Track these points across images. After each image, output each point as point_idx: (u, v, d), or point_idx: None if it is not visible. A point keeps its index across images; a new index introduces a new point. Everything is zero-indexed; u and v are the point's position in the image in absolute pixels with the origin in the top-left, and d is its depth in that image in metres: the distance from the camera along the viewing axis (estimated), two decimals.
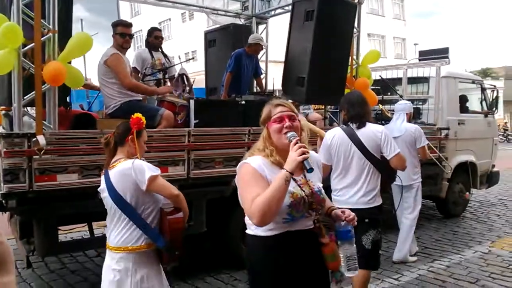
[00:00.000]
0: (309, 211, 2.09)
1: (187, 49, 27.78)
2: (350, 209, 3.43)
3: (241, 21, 7.57)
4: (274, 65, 7.84)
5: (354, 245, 2.22)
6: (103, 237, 4.94)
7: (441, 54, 7.95)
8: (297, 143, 1.96)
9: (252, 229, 2.13)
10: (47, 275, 4.85)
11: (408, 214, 5.30)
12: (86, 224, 4.87)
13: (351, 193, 3.53)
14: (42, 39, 3.70)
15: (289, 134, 2.06)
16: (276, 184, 1.91)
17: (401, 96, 6.67)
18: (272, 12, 7.58)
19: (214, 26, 7.73)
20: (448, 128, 6.81)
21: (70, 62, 4.08)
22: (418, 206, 5.37)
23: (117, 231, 2.64)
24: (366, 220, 3.45)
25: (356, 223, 2.20)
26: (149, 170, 2.60)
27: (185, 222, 2.71)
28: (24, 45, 3.67)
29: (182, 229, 2.66)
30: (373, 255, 3.55)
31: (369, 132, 3.50)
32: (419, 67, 7.49)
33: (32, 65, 3.67)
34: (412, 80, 7.46)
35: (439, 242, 6.02)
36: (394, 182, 5.02)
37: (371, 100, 5.90)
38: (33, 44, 3.67)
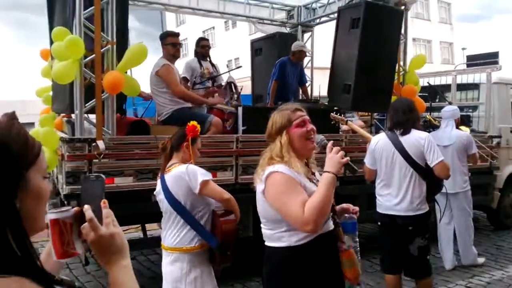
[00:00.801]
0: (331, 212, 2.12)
1: (230, 56, 28.22)
2: (391, 215, 3.56)
3: (286, 30, 7.68)
4: (319, 72, 7.89)
5: (357, 240, 2.25)
6: (155, 238, 5.19)
7: (490, 58, 7.76)
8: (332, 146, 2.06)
9: (284, 241, 2.04)
10: (83, 277, 4.99)
11: (460, 219, 5.20)
12: (139, 225, 5.08)
13: (395, 200, 3.55)
14: (101, 50, 3.95)
15: (319, 138, 2.15)
16: (325, 188, 1.95)
17: (450, 103, 6.53)
18: (318, 20, 7.64)
19: (257, 34, 7.88)
20: (500, 136, 6.60)
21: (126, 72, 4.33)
22: (470, 211, 5.28)
23: (172, 232, 2.79)
24: (410, 228, 3.49)
25: (359, 214, 2.26)
26: (201, 175, 2.75)
27: (237, 224, 2.82)
28: (85, 56, 3.94)
29: (234, 231, 2.77)
30: (421, 262, 3.53)
31: (413, 139, 3.49)
32: (469, 73, 7.31)
33: (93, 75, 3.93)
34: (462, 87, 7.28)
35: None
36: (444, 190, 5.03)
37: (419, 107, 5.82)
38: (93, 55, 3.93)
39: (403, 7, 5.78)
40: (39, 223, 0.97)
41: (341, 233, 2.16)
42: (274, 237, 2.07)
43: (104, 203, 1.09)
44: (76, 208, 1.09)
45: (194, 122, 2.99)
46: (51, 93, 5.40)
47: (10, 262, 0.86)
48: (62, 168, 3.94)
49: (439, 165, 3.41)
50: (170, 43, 4.85)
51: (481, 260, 5.28)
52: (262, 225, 2.16)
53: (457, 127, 5.30)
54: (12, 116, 0.97)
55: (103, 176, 1.19)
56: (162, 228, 2.92)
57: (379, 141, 3.68)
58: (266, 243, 2.14)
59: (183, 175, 2.73)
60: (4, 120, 0.95)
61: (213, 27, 32.32)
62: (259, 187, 2.08)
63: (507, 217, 7.01)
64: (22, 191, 0.91)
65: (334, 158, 2.01)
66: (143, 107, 6.28)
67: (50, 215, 1.05)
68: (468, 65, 17.82)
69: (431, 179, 3.50)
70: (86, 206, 1.06)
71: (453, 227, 5.25)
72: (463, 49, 27.99)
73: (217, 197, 2.80)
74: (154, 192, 2.97)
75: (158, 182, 2.93)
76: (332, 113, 4.60)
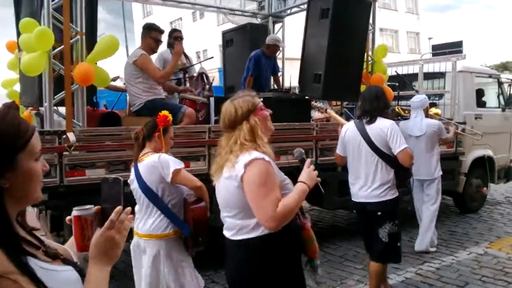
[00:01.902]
0: None
1: (198, 48, 28.05)
2: (362, 202, 3.68)
3: (257, 21, 7.70)
4: (290, 62, 7.96)
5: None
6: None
7: (454, 47, 7.99)
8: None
9: (259, 230, 2.04)
10: None
11: (430, 206, 5.41)
12: None
13: (362, 186, 3.64)
14: (70, 41, 3.91)
15: (298, 152, 2.28)
16: (298, 196, 2.06)
17: (417, 92, 6.72)
18: (288, 11, 7.68)
19: (226, 25, 7.87)
20: (464, 123, 6.83)
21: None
22: (439, 198, 5.48)
23: (146, 220, 2.85)
24: (379, 213, 3.58)
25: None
26: (173, 163, 2.83)
27: (208, 211, 2.89)
28: (54, 48, 3.89)
29: (205, 218, 2.86)
30: (392, 248, 3.61)
31: (377, 127, 3.57)
32: (435, 62, 7.51)
33: (62, 67, 3.88)
34: (428, 76, 7.49)
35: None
36: (418, 177, 5.22)
37: (388, 95, 5.99)
38: (62, 46, 3.88)
39: None
40: (32, 196, 1.11)
41: (303, 210, 2.26)
42: (249, 227, 2.05)
43: (118, 209, 1.20)
44: (96, 207, 1.22)
45: (165, 112, 3.04)
46: (16, 86, 5.31)
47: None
48: None
49: (402, 153, 3.48)
50: (154, 38, 4.88)
51: (432, 249, 5.35)
52: (229, 217, 2.12)
53: (426, 114, 5.47)
54: (9, 105, 1.09)
55: (120, 178, 1.28)
56: (136, 217, 2.96)
57: (348, 130, 3.78)
58: (234, 237, 2.10)
59: (156, 164, 2.79)
60: (1, 109, 1.08)
61: (181, 18, 32.06)
62: (232, 174, 2.03)
63: (472, 201, 7.30)
64: (11, 171, 1.04)
65: (311, 173, 2.14)
66: (106, 100, 6.24)
67: (74, 212, 1.21)
68: (433, 55, 18.27)
69: (398, 166, 3.57)
70: (117, 208, 1.19)
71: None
72: (430, 38, 28.57)
73: (189, 184, 2.88)
74: (128, 181, 3.01)
75: (132, 171, 2.98)
76: (312, 102, 4.72)
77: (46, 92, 3.86)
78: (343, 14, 5.42)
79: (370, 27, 5.89)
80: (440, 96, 7.43)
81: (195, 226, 2.81)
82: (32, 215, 5.12)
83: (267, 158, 2.04)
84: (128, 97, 5.43)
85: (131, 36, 20.26)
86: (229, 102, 2.21)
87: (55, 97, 3.91)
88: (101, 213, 1.21)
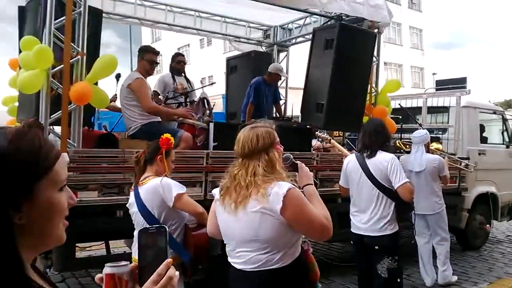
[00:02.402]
0: None
1: (204, 73, 28.31)
2: (361, 235, 3.62)
3: (262, 49, 7.73)
4: (293, 91, 7.95)
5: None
6: (119, 255, 5.00)
7: (458, 83, 7.95)
8: None
9: (282, 262, 2.03)
10: None
11: (439, 241, 5.34)
12: (103, 242, 4.93)
13: (362, 219, 3.63)
14: (71, 61, 3.88)
15: (286, 158, 2.30)
16: (318, 198, 2.21)
17: (420, 125, 6.65)
18: (293, 41, 7.73)
19: (232, 53, 7.91)
20: (468, 158, 6.73)
21: (97, 83, 4.26)
22: (446, 230, 5.41)
23: None
24: (376, 247, 3.53)
25: None
26: (175, 188, 2.76)
27: (208, 238, 2.78)
28: (53, 67, 3.86)
29: (207, 245, 2.77)
30: (391, 284, 3.52)
31: (377, 161, 3.57)
32: (440, 96, 7.47)
33: (60, 86, 3.84)
34: (432, 110, 7.44)
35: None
36: (419, 212, 5.10)
37: (390, 128, 5.91)
38: (62, 65, 3.85)
39: (376, 30, 5.90)
40: (54, 235, 0.92)
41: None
42: (273, 260, 2.02)
43: (168, 262, 1.00)
44: (133, 264, 1.02)
45: (167, 135, 2.98)
46: (16, 103, 5.28)
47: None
48: None
49: (402, 187, 3.45)
50: (148, 59, 4.80)
51: (454, 278, 5.39)
52: (250, 251, 2.05)
53: (427, 149, 5.38)
54: (31, 124, 0.92)
55: (166, 227, 1.07)
56: (134, 242, 2.86)
57: (349, 162, 3.79)
58: (256, 269, 2.04)
59: (158, 188, 2.72)
60: (21, 128, 0.91)
61: (188, 44, 32.54)
62: (265, 206, 1.97)
63: (475, 238, 7.12)
64: (29, 204, 0.85)
65: (308, 173, 2.31)
66: (108, 121, 6.19)
67: (106, 270, 0.99)
68: (437, 89, 18.37)
69: (398, 200, 3.53)
70: (167, 261, 1.00)
71: (431, 245, 5.37)
72: (434, 74, 28.66)
73: (191, 210, 2.81)
74: (127, 205, 2.96)
75: (131, 194, 2.93)
76: (317, 132, 4.72)
77: (42, 110, 3.79)
78: (348, 45, 5.42)
79: (374, 59, 5.88)
80: (444, 130, 7.35)
81: (195, 253, 2.73)
82: None
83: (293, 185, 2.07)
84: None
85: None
86: (249, 129, 2.14)
87: (52, 116, 3.84)
88: (139, 270, 1.01)
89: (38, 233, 0.88)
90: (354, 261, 3.96)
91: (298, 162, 2.33)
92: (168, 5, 6.62)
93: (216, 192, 2.28)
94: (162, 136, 2.96)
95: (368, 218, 3.56)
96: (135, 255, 2.80)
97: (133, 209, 2.84)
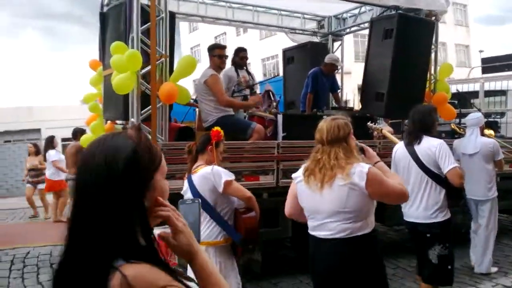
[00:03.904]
0: None
1: None
2: (412, 222, 3.72)
3: (317, 39, 7.93)
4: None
5: None
6: None
7: (505, 61, 7.83)
8: None
9: (368, 227, 2.48)
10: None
11: (484, 227, 5.22)
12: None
13: (412, 206, 3.64)
14: (156, 63, 4.28)
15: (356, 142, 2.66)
16: (390, 170, 2.67)
17: (479, 110, 6.67)
18: (347, 30, 7.88)
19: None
20: None
21: None
22: (493, 218, 5.25)
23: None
24: (428, 235, 3.56)
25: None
26: (225, 175, 3.06)
27: (258, 220, 3.11)
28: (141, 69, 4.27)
29: (257, 227, 3.07)
30: (442, 270, 3.57)
31: (425, 147, 3.59)
32: (497, 80, 7.44)
33: (148, 86, 4.25)
34: (489, 93, 7.43)
35: (459, 271, 4.90)
36: (471, 197, 5.15)
37: (449, 114, 6.02)
38: (149, 67, 4.26)
39: (433, 18, 5.97)
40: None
41: None
42: (356, 228, 2.43)
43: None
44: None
45: (218, 128, 3.27)
46: (97, 101, 5.78)
47: (139, 252, 1.04)
48: None
49: (451, 172, 3.47)
50: (217, 55, 5.17)
51: (494, 269, 5.23)
52: (336, 221, 2.44)
53: (482, 133, 5.39)
54: (138, 128, 1.20)
55: (198, 199, 1.39)
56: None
57: (397, 150, 3.85)
58: (347, 236, 2.43)
59: (209, 175, 3.02)
60: (133, 133, 1.12)
61: (225, 33, 32.78)
62: (351, 182, 2.37)
63: None
64: (150, 192, 1.09)
65: (374, 153, 2.73)
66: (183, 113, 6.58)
67: (156, 231, 1.18)
68: (483, 68, 17.68)
69: (449, 186, 3.54)
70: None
71: (483, 231, 5.23)
72: (480, 51, 27.46)
73: (239, 195, 3.09)
74: (182, 192, 3.25)
75: (185, 182, 3.22)
76: (368, 123, 4.81)
77: (134, 108, 4.23)
78: (407, 34, 5.53)
79: (432, 47, 5.96)
80: (502, 114, 7.33)
81: (246, 234, 3.02)
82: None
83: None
84: (197, 112, 5.78)
85: (177, 50, 21.00)
86: (331, 120, 2.53)
87: (141, 113, 4.27)
88: None
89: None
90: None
91: (363, 145, 2.71)
92: (228, 1, 6.94)
93: (296, 175, 2.66)
94: (213, 128, 3.24)
95: (418, 205, 3.58)
96: None
97: (187, 194, 3.12)
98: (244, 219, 3.07)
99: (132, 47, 4.28)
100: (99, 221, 1.02)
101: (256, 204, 3.15)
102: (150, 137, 4.20)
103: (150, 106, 4.26)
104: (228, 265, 3.10)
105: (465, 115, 7.01)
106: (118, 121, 5.31)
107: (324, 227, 2.50)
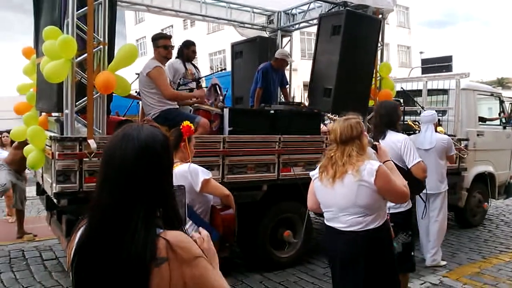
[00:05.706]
0: None
1: None
2: None
3: (266, 34, 7.84)
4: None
5: None
6: None
7: (444, 62, 8.08)
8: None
9: (378, 221, 2.61)
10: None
11: (436, 219, 5.48)
12: None
13: None
14: (93, 50, 4.00)
15: (370, 139, 2.81)
16: (397, 171, 2.75)
17: (422, 108, 6.85)
18: (296, 26, 7.85)
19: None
20: (467, 139, 6.97)
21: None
22: (444, 211, 5.54)
23: None
24: (392, 224, 3.67)
25: None
26: (202, 174, 2.94)
27: (235, 217, 3.00)
28: (76, 56, 3.97)
29: (234, 224, 2.97)
30: (405, 257, 3.70)
31: (390, 142, 3.72)
32: (440, 79, 7.66)
33: (84, 75, 3.97)
34: (432, 92, 7.64)
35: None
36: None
37: None
38: (85, 55, 3.97)
39: (380, 16, 6.04)
40: None
41: None
42: (368, 221, 2.58)
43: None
44: None
45: (187, 122, 3.13)
46: (31, 90, 5.36)
47: (173, 225, 1.25)
48: (52, 167, 3.96)
49: (416, 166, 3.66)
50: (163, 45, 4.94)
51: (443, 262, 5.46)
52: (349, 215, 2.59)
53: (436, 128, 5.59)
54: (149, 120, 1.22)
55: (184, 185, 1.49)
56: None
57: None
58: (361, 229, 2.58)
59: (186, 174, 2.88)
60: (150, 127, 1.34)
61: (172, 26, 32.28)
62: (362, 178, 2.50)
63: (473, 216, 7.42)
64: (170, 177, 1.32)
65: (386, 152, 2.87)
66: (112, 105, 6.28)
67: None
68: (423, 69, 18.45)
69: (411, 179, 3.61)
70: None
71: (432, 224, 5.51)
72: (421, 52, 28.53)
73: (218, 193, 3.00)
74: None
75: None
76: (328, 114, 4.82)
77: (68, 99, 3.93)
78: (355, 31, 5.56)
79: (379, 44, 6.03)
80: (443, 112, 7.56)
81: (224, 232, 2.93)
82: (42, 219, 5.16)
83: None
84: (141, 106, 5.51)
85: (122, 41, 20.49)
86: (344, 121, 2.65)
87: (76, 104, 3.98)
88: None
89: None
90: None
91: (376, 143, 2.86)
92: None
93: (313, 173, 2.82)
94: (182, 124, 3.11)
95: None
96: None
97: None
98: (222, 216, 2.99)
99: (67, 33, 3.97)
100: (144, 193, 1.20)
101: (233, 202, 3.10)
102: (85, 129, 3.95)
103: (86, 97, 3.98)
104: None
105: (408, 113, 7.21)
106: (53, 113, 4.97)
107: (339, 219, 2.65)
